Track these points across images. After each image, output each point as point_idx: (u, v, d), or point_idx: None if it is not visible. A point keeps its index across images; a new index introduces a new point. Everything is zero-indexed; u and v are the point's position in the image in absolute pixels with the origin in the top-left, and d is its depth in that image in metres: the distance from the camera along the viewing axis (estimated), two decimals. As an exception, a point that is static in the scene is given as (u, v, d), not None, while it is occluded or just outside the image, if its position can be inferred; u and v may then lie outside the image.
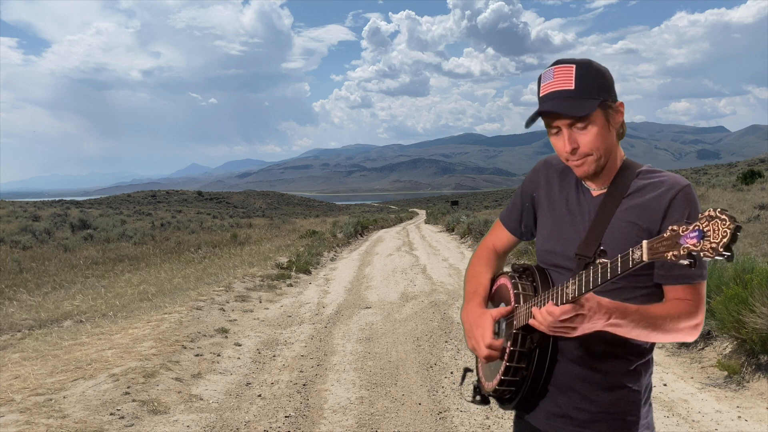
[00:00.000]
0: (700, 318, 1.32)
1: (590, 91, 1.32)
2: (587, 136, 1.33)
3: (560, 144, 1.37)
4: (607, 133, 1.35)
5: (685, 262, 0.96)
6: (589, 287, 1.15)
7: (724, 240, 0.91)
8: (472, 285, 1.60)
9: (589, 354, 1.38)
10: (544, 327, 1.25)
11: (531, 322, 1.29)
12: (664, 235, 1.00)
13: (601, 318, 1.21)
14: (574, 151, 1.34)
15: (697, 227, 0.95)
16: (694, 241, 0.94)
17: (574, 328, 1.23)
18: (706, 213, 0.95)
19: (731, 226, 0.91)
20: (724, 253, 0.91)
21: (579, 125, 1.33)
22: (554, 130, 1.36)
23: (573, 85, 1.32)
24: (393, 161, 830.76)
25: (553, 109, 1.31)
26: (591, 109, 1.30)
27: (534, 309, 1.28)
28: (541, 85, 1.37)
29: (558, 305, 1.21)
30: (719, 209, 0.94)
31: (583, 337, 1.35)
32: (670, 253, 0.97)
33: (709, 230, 0.93)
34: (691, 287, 1.32)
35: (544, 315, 1.23)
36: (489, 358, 1.43)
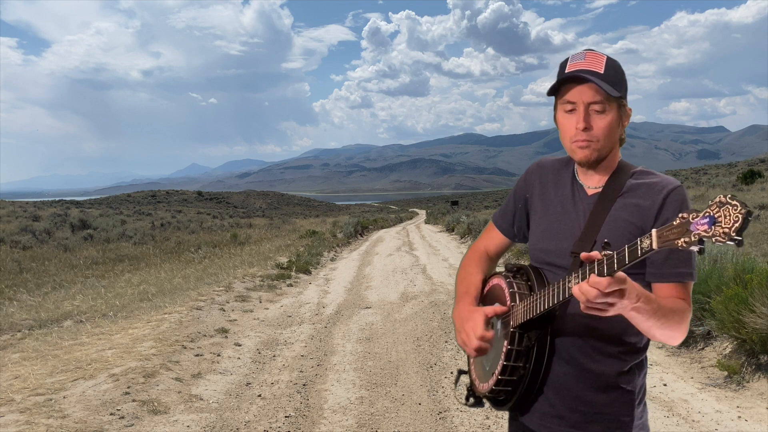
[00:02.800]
0: (690, 317, 1.33)
1: (616, 82, 1.35)
2: (603, 121, 1.35)
3: (572, 121, 1.37)
4: (617, 128, 1.38)
5: (696, 248, 0.95)
6: None
7: (736, 225, 0.91)
8: (463, 286, 1.60)
9: (583, 354, 1.38)
10: (584, 300, 1.14)
11: (573, 290, 1.17)
12: (674, 222, 0.99)
13: (632, 298, 1.16)
14: (586, 129, 1.35)
15: (708, 213, 0.95)
16: (705, 227, 0.94)
17: (612, 305, 1.15)
18: (717, 199, 0.95)
19: (743, 212, 0.91)
20: (736, 237, 0.91)
21: (598, 107, 1.34)
22: (569, 107, 1.37)
23: (603, 70, 1.34)
24: (393, 161, 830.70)
25: (588, 77, 1.32)
26: (617, 94, 1.33)
27: (571, 290, 1.18)
28: (569, 63, 1.38)
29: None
30: (729, 195, 0.94)
31: (578, 337, 1.36)
32: (681, 240, 0.97)
33: (720, 216, 0.93)
34: (683, 286, 1.32)
35: (587, 289, 1.12)
36: (480, 351, 1.42)
